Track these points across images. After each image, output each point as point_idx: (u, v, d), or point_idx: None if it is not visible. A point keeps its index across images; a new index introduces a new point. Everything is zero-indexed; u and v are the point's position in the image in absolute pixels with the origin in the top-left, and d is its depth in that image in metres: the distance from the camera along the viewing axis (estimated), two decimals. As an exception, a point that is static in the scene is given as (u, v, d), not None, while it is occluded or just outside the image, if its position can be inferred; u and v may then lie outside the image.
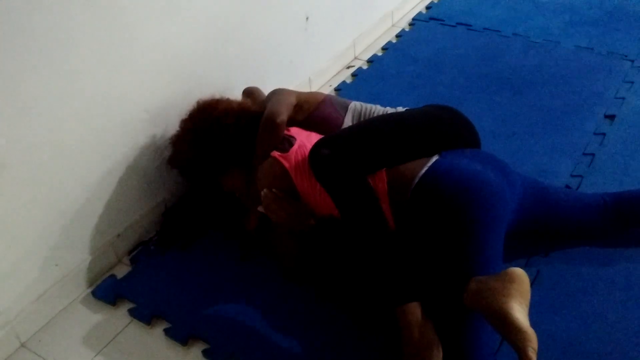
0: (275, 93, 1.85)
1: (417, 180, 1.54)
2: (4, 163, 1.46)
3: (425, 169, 1.56)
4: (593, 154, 2.00)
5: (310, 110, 1.84)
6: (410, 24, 3.00)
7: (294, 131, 1.77)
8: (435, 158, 1.59)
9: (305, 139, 1.73)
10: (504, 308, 1.28)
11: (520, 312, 1.28)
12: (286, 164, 1.67)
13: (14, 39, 1.39)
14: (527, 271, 1.38)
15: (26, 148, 1.50)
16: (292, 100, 1.82)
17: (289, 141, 1.72)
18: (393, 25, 3.01)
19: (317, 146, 1.57)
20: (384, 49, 2.82)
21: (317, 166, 1.55)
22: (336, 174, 1.54)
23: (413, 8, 3.14)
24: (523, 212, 1.62)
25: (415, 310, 1.44)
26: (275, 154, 1.69)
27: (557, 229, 1.70)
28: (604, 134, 2.10)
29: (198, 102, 1.81)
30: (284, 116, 1.73)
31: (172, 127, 1.88)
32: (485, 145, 1.79)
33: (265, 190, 1.68)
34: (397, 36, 2.90)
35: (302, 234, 1.68)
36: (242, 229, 1.86)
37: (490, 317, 1.31)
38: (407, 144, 1.63)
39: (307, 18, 2.35)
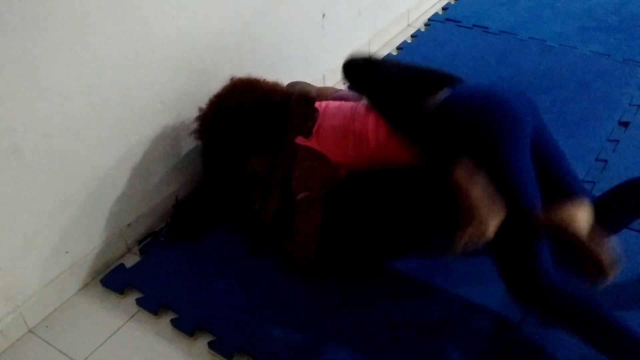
0: (298, 82, 1.91)
1: (442, 98, 1.51)
2: (20, 148, 1.47)
3: (449, 91, 1.53)
4: (606, 160, 1.99)
5: (326, 97, 1.88)
6: (426, 24, 2.99)
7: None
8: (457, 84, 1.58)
9: (324, 111, 1.78)
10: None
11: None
12: (316, 146, 1.71)
13: (34, 27, 1.40)
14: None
15: (42, 134, 1.51)
16: (313, 89, 1.89)
17: (313, 119, 1.76)
18: (409, 25, 3.01)
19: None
20: (398, 48, 2.81)
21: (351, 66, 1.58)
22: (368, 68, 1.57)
23: (429, 8, 3.13)
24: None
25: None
26: (300, 140, 1.73)
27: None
28: (617, 141, 2.09)
29: (234, 79, 1.82)
30: (313, 93, 1.83)
31: (187, 118, 1.90)
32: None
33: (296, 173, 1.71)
34: (413, 36, 2.89)
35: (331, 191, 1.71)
36: (253, 222, 1.86)
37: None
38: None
39: (323, 15, 2.35)
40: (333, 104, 1.80)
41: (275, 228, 1.81)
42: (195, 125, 1.84)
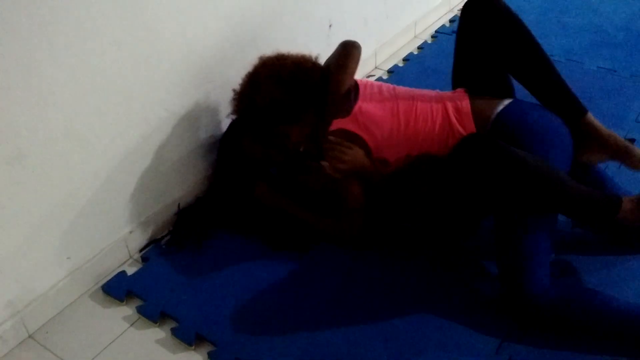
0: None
1: (496, 113, 1.69)
2: (24, 152, 1.47)
3: (502, 106, 1.71)
4: (611, 177, 1.98)
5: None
6: (432, 37, 2.99)
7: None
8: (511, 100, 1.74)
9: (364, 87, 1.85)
10: None
11: None
12: (349, 127, 1.76)
13: (39, 32, 1.40)
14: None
15: (45, 139, 1.51)
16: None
17: (350, 97, 1.81)
18: (415, 37, 3.01)
19: None
20: (405, 60, 2.81)
21: None
22: None
23: (436, 20, 3.13)
24: None
25: None
26: (338, 122, 1.78)
27: None
28: (623, 158, 2.07)
29: (262, 57, 1.83)
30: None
31: (191, 126, 1.90)
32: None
33: (327, 144, 1.75)
34: (419, 48, 2.90)
35: (371, 184, 1.78)
36: (269, 222, 1.89)
37: None
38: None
39: (330, 25, 2.36)
40: (374, 82, 1.86)
41: (327, 192, 1.87)
42: (232, 107, 1.84)
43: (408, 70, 2.71)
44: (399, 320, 1.62)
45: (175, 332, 1.63)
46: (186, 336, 1.61)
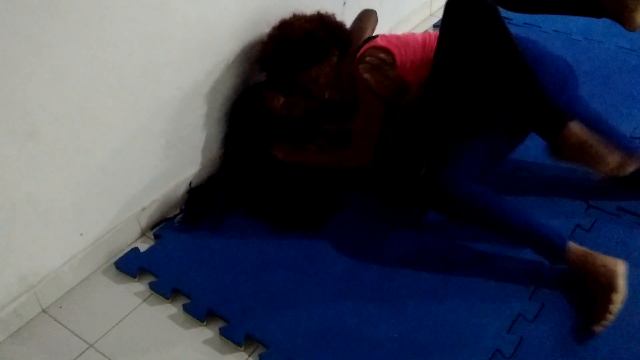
0: None
1: None
2: (36, 131, 1.48)
3: None
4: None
5: None
6: (448, 15, 2.95)
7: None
8: None
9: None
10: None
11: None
12: (382, 43, 1.81)
13: (52, 9, 1.39)
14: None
15: (58, 115, 1.51)
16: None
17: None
18: (431, 15, 2.97)
19: None
20: (420, 38, 2.78)
21: None
22: None
23: (453, -2, 3.09)
24: None
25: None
26: (368, 44, 1.83)
27: None
28: (642, 137, 2.06)
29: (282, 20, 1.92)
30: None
31: (203, 105, 1.90)
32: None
33: (368, 57, 1.78)
34: (434, 26, 2.86)
35: (394, 104, 1.82)
36: (279, 203, 1.90)
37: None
38: None
39: (344, 3, 2.33)
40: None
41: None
42: (260, 53, 1.92)
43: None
44: (409, 300, 1.62)
45: (187, 308, 1.64)
46: (198, 312, 1.62)
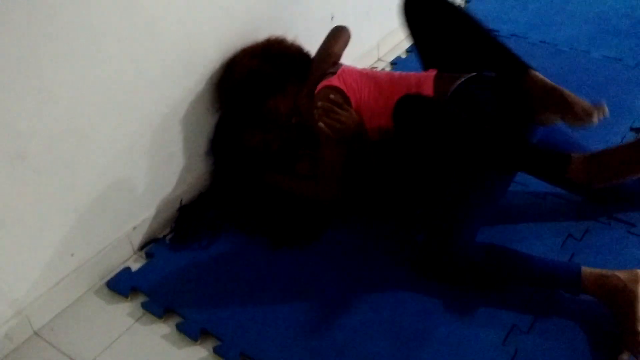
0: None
1: (456, 85, 1.71)
2: (25, 153, 1.47)
3: (464, 79, 1.72)
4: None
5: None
6: (435, 27, 2.97)
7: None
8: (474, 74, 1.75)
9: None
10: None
11: None
12: (336, 84, 1.81)
13: (40, 29, 1.39)
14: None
15: (47, 137, 1.51)
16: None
17: (333, 70, 1.89)
18: (418, 28, 2.98)
19: None
20: (408, 51, 2.80)
21: None
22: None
23: (439, 11, 3.10)
24: None
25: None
26: (324, 83, 1.82)
27: None
28: (629, 147, 2.06)
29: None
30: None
31: (193, 122, 1.90)
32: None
33: (319, 103, 1.76)
34: (422, 39, 2.87)
35: (354, 146, 1.80)
36: (270, 219, 1.89)
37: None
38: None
39: (332, 18, 2.34)
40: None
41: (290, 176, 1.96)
42: (216, 98, 1.94)
43: (411, 62, 2.69)
44: (403, 313, 1.62)
45: (180, 327, 1.63)
46: (191, 331, 1.61)
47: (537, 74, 1.67)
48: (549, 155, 1.54)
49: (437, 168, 1.76)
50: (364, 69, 1.93)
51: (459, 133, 1.57)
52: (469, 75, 1.73)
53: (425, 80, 1.78)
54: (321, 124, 1.73)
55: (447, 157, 1.66)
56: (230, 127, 1.93)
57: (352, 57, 2.55)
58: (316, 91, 1.83)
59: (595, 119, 1.56)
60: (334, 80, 1.82)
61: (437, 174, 1.75)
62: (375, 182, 1.89)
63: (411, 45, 2.80)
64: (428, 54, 1.88)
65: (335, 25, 2.01)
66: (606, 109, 1.55)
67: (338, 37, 1.96)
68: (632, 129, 2.14)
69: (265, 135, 1.91)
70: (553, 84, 1.65)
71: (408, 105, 1.60)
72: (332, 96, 1.77)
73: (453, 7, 1.74)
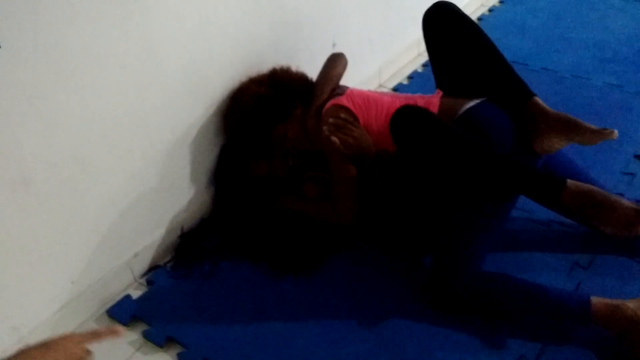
0: None
1: (463, 110, 1.71)
2: (28, 180, 1.46)
3: (471, 104, 1.71)
4: (622, 194, 1.96)
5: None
6: (437, 54, 2.98)
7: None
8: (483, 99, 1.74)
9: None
10: None
11: None
12: (345, 103, 1.81)
13: (44, 56, 1.39)
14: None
15: (50, 164, 1.50)
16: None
17: (339, 91, 1.90)
18: (419, 55, 3.00)
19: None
20: (409, 77, 2.80)
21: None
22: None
23: (440, 38, 3.12)
24: None
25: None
26: (332, 101, 1.83)
27: None
28: (632, 174, 2.06)
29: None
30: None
31: (196, 149, 1.89)
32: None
33: (331, 119, 1.77)
34: (424, 65, 2.88)
35: (364, 165, 1.80)
36: (275, 247, 1.88)
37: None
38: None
39: (333, 45, 2.35)
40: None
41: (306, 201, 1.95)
42: (223, 128, 1.95)
43: (412, 88, 2.70)
44: (407, 341, 1.60)
45: (181, 357, 1.61)
46: (193, 361, 1.59)
47: (540, 101, 1.68)
48: (544, 178, 1.53)
49: (438, 191, 1.75)
50: (370, 91, 1.94)
51: (455, 146, 1.57)
52: (478, 101, 1.73)
53: (431, 101, 1.79)
54: (334, 138, 1.74)
55: (443, 173, 1.66)
56: (235, 157, 1.93)
57: (354, 83, 2.55)
58: (324, 110, 1.84)
59: (604, 137, 1.56)
60: (342, 100, 1.83)
61: (439, 199, 1.74)
62: (382, 204, 1.88)
63: (413, 72, 2.83)
64: (440, 67, 1.89)
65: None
66: (615, 132, 1.55)
67: (336, 62, 1.99)
68: (635, 157, 2.14)
69: (271, 164, 1.91)
70: (554, 110, 1.66)
71: (405, 116, 1.60)
72: (342, 115, 1.78)
73: (471, 22, 1.78)
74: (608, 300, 1.50)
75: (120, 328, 1.27)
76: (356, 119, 1.81)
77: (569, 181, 1.50)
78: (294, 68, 1.96)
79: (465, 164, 1.57)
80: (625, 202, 1.46)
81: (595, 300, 1.51)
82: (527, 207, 1.87)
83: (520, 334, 1.58)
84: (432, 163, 1.65)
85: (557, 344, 1.55)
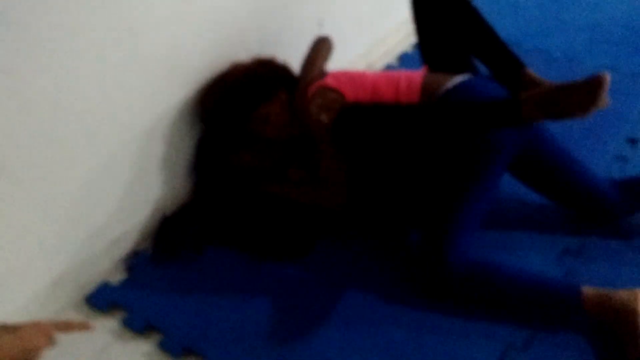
0: None
1: (446, 87, 1.70)
2: (2, 165, 1.42)
3: (455, 81, 1.71)
4: (614, 180, 1.93)
5: None
6: (427, 34, 2.93)
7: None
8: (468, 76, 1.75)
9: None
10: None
11: None
12: (331, 83, 1.79)
13: (17, 38, 1.35)
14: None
15: (25, 149, 1.46)
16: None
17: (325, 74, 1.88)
18: (408, 35, 2.94)
19: None
20: (398, 58, 2.76)
21: None
22: None
23: (431, 18, 3.08)
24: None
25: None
26: (318, 83, 1.80)
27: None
28: (625, 158, 2.04)
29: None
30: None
31: (176, 133, 1.86)
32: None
33: (319, 99, 1.76)
34: (413, 46, 2.84)
35: None
36: (251, 240, 1.85)
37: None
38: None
39: (320, 24, 2.30)
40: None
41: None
42: (203, 108, 1.88)
43: (402, 69, 2.66)
44: (395, 329, 1.58)
45: (161, 345, 1.58)
46: (173, 349, 1.57)
47: (532, 71, 1.75)
48: (500, 102, 1.54)
49: (423, 168, 1.78)
50: (355, 71, 1.91)
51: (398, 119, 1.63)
52: (467, 76, 1.72)
53: (415, 78, 1.77)
54: (323, 116, 1.72)
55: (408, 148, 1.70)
56: (215, 146, 1.90)
57: (341, 64, 2.50)
58: (311, 92, 1.80)
59: (602, 103, 1.55)
60: (327, 80, 1.80)
61: (420, 173, 1.78)
62: (371, 188, 1.88)
63: (402, 53, 2.79)
64: (428, 42, 1.89)
65: (319, 35, 1.98)
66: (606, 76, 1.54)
67: (320, 48, 1.95)
68: (628, 140, 2.12)
69: (254, 153, 1.87)
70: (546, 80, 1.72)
71: (342, 125, 1.66)
72: (332, 95, 1.76)
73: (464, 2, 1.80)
74: (599, 290, 1.49)
75: (92, 323, 1.28)
76: (344, 97, 1.77)
77: (522, 93, 1.51)
78: (278, 60, 1.93)
79: (422, 122, 1.60)
80: (577, 81, 1.50)
81: (586, 289, 1.49)
82: (520, 192, 1.85)
83: (509, 320, 1.57)
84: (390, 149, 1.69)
85: (546, 331, 1.54)
